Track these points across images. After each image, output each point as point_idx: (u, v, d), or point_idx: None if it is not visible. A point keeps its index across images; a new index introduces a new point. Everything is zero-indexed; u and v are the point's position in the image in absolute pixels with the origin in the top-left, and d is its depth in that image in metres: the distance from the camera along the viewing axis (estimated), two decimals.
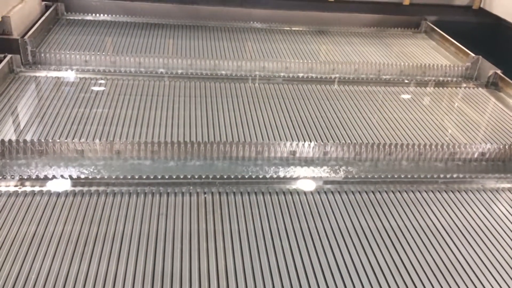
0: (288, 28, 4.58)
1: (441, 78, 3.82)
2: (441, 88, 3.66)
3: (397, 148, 2.69)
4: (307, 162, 2.62)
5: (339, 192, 2.36)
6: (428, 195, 2.39)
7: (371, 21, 4.77)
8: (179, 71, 3.50)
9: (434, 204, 2.33)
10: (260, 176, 2.40)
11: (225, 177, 2.35)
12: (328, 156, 2.65)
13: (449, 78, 3.84)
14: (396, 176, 2.47)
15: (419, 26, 4.83)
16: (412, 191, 2.41)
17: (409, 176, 2.49)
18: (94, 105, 2.93)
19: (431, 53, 4.28)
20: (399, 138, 2.88)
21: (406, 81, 3.71)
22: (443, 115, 3.22)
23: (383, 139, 2.84)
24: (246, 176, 2.38)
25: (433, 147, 2.71)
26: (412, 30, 4.80)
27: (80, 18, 4.28)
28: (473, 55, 3.92)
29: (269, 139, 2.74)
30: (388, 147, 2.68)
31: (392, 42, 4.46)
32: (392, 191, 2.39)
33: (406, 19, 4.84)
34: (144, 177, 2.28)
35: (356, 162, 2.65)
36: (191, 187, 2.28)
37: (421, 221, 2.20)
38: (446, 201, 2.36)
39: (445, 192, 2.43)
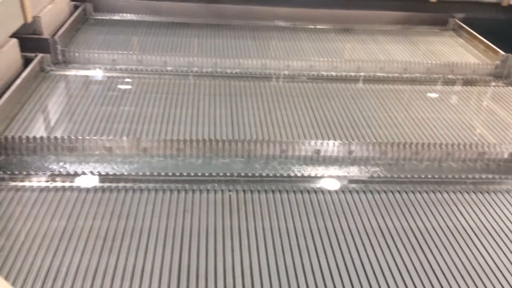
0: (313, 26, 4.56)
1: (469, 77, 3.74)
2: (469, 87, 3.59)
3: (423, 147, 2.65)
4: (332, 160, 2.61)
5: (364, 192, 2.34)
6: (456, 195, 2.35)
7: (397, 18, 4.71)
8: (204, 70, 3.53)
9: (462, 205, 2.29)
10: (285, 175, 2.40)
11: (249, 175, 2.36)
12: (353, 155, 2.64)
13: (477, 77, 3.76)
14: (422, 176, 2.44)
15: (447, 24, 4.74)
16: (439, 192, 2.37)
17: (436, 176, 2.45)
18: (122, 103, 2.98)
19: (459, 51, 4.20)
20: (426, 137, 2.84)
21: (433, 79, 3.65)
22: (472, 114, 3.16)
23: (410, 138, 2.80)
24: (271, 174, 2.39)
25: (461, 146, 2.67)
26: (439, 27, 4.72)
27: (107, 17, 4.36)
28: (502, 53, 3.83)
29: (293, 138, 2.73)
30: (415, 146, 2.65)
31: (419, 40, 4.40)
32: (419, 191, 2.36)
33: (433, 16, 4.76)
34: (170, 174, 2.31)
35: (381, 161, 2.62)
36: (216, 185, 2.30)
37: (448, 223, 2.17)
38: (474, 202, 2.32)
39: (474, 193, 2.38)
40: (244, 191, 2.28)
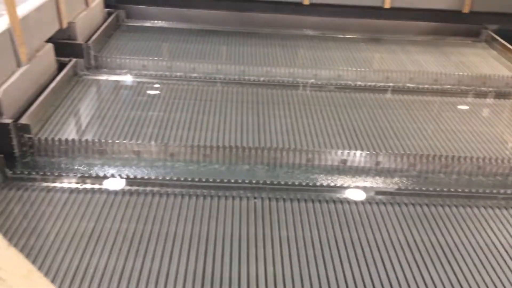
0: (342, 36, 4.54)
1: (502, 89, 3.65)
2: (502, 100, 3.50)
3: (453, 160, 2.59)
4: (358, 171, 2.58)
5: (391, 204, 2.31)
6: (486, 211, 2.29)
7: (428, 29, 4.65)
8: (232, 77, 3.55)
9: (493, 221, 2.23)
10: (310, 184, 2.39)
11: (274, 182, 2.36)
12: (380, 166, 2.60)
13: (511, 89, 3.66)
14: (452, 190, 2.39)
15: (479, 35, 4.64)
16: (469, 206, 2.32)
17: (466, 191, 2.40)
18: (150, 108, 3.03)
19: (491, 63, 4.11)
20: (456, 150, 2.78)
21: (465, 91, 3.58)
22: (504, 128, 3.08)
23: (439, 151, 2.75)
24: (296, 183, 2.38)
25: (492, 160, 2.60)
26: (471, 39, 4.63)
27: (139, 24, 4.45)
28: None
29: (319, 147, 2.72)
30: (444, 159, 2.59)
31: (450, 51, 4.32)
32: (448, 205, 2.31)
33: (466, 27, 4.67)
34: (196, 179, 2.33)
35: (409, 173, 2.58)
36: (241, 192, 2.31)
37: (478, 239, 2.11)
38: (506, 218, 2.25)
39: (505, 208, 2.32)
40: (269, 199, 2.28)
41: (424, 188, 2.40)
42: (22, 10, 2.81)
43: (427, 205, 2.31)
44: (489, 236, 2.13)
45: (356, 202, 2.30)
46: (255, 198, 2.28)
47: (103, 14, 4.24)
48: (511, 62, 4.09)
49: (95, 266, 1.82)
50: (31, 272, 0.81)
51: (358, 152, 2.61)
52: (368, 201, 2.32)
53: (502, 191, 2.41)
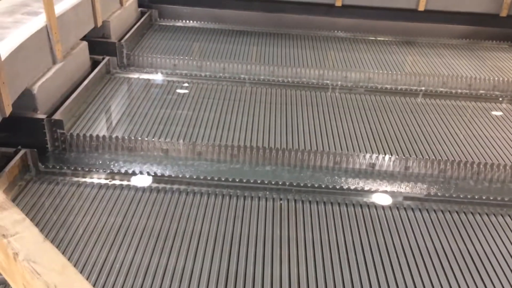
0: (373, 38, 4.48)
1: None
2: None
3: (486, 167, 2.52)
4: (387, 175, 2.54)
5: (419, 210, 2.26)
6: None
7: (464, 32, 4.53)
8: (261, 78, 3.56)
9: None
10: (337, 187, 2.37)
11: (301, 184, 2.35)
12: (409, 171, 2.56)
13: None
14: (484, 198, 2.32)
15: None
16: (502, 215, 2.24)
17: (498, 199, 2.32)
18: (180, 107, 3.07)
19: None
20: (488, 157, 2.70)
21: (499, 97, 3.47)
22: None
23: (471, 157, 2.68)
24: (323, 186, 2.36)
25: None
26: (508, 43, 4.49)
27: (171, 24, 4.51)
28: None
29: (348, 150, 2.69)
30: (476, 166, 2.52)
31: (486, 55, 4.20)
32: (479, 213, 2.25)
33: (503, 31, 4.53)
34: (223, 179, 2.34)
35: (440, 180, 2.52)
36: (268, 192, 2.31)
37: (510, 248, 2.04)
38: None
39: None
40: (295, 200, 2.27)
41: (454, 195, 2.34)
42: (59, 8, 2.89)
43: (457, 212, 2.25)
44: None
45: (383, 207, 2.27)
46: (280, 199, 2.28)
47: (136, 14, 4.32)
48: None
49: (121, 261, 1.85)
50: (65, 267, 0.83)
51: (387, 156, 2.57)
52: (396, 206, 2.28)
53: None
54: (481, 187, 2.48)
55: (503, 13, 4.63)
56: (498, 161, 2.64)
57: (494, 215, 2.24)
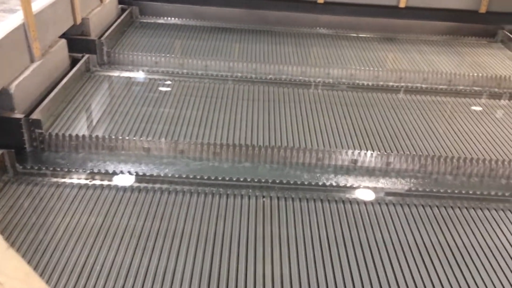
0: (355, 35, 4.50)
1: None
2: None
3: (465, 162, 2.56)
4: (369, 171, 2.56)
5: (401, 205, 2.28)
6: (498, 214, 2.26)
7: (444, 29, 4.59)
8: (244, 75, 3.55)
9: (505, 224, 2.19)
10: (320, 183, 2.38)
11: (284, 182, 2.35)
12: (391, 167, 2.58)
13: None
14: (463, 192, 2.36)
15: (495, 35, 4.57)
16: (481, 209, 2.28)
17: (478, 193, 2.36)
18: (161, 105, 3.04)
19: (507, 64, 4.04)
20: (468, 152, 2.74)
21: (479, 92, 3.52)
22: None
23: (451, 152, 2.71)
24: (306, 183, 2.36)
25: (505, 163, 2.56)
26: (487, 39, 4.56)
27: (152, 21, 4.46)
28: None
29: (330, 147, 2.70)
30: (456, 160, 2.56)
31: (465, 51, 4.26)
32: (459, 207, 2.28)
33: (482, 27, 4.60)
34: (205, 177, 2.33)
35: (420, 175, 2.55)
36: (250, 190, 2.30)
37: (489, 242, 2.08)
38: None
39: None
40: (278, 198, 2.27)
41: (435, 190, 2.37)
42: (36, 5, 2.83)
43: (437, 206, 2.28)
44: (499, 239, 2.09)
45: (365, 203, 2.28)
46: (263, 197, 2.27)
47: (117, 11, 4.26)
48: None
49: (102, 262, 1.83)
50: (29, 275, 0.81)
51: (369, 152, 2.58)
52: (378, 201, 2.30)
53: None
54: (460, 182, 2.52)
55: (482, 10, 4.69)
56: (477, 155, 2.68)
57: (473, 209, 2.28)
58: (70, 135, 2.52)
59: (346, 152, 2.58)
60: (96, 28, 3.67)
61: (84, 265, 1.81)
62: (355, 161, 2.58)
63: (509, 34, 4.45)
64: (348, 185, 2.41)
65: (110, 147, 2.54)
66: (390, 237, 2.08)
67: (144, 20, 4.46)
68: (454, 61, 4.01)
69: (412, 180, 2.50)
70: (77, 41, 3.44)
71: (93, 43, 3.52)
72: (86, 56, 3.37)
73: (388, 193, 2.37)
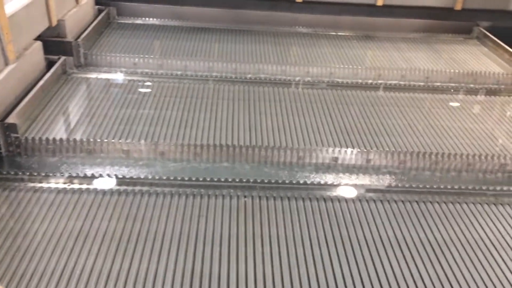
0: (334, 33, 4.53)
1: (492, 86, 3.66)
2: (492, 97, 3.51)
3: (443, 157, 2.60)
4: (349, 169, 2.58)
5: (381, 201, 2.31)
6: (475, 207, 2.30)
7: (420, 26, 4.65)
8: (224, 75, 3.54)
9: (482, 218, 2.23)
10: (301, 182, 2.38)
11: (265, 181, 2.35)
12: (371, 163, 2.60)
13: (501, 86, 3.67)
14: (442, 187, 2.39)
15: (471, 32, 4.65)
16: (459, 203, 2.32)
17: (455, 187, 2.40)
18: (141, 106, 3.01)
19: (482, 60, 4.11)
20: (446, 147, 2.78)
21: (456, 88, 3.58)
22: (494, 125, 3.08)
23: (429, 148, 2.75)
24: (287, 181, 2.37)
25: (482, 157, 2.61)
26: (463, 36, 4.63)
27: (130, 22, 4.42)
28: None
29: (311, 145, 2.71)
30: (435, 156, 2.60)
31: (442, 48, 4.33)
32: (438, 202, 2.31)
33: (457, 24, 4.68)
34: (186, 178, 2.32)
35: (400, 171, 2.58)
36: (232, 190, 2.30)
37: (467, 235, 2.11)
38: (495, 215, 2.26)
39: (494, 205, 2.32)
40: (259, 197, 2.27)
41: (414, 185, 2.40)
42: (10, 7, 2.78)
43: (417, 202, 2.31)
44: (477, 232, 2.13)
45: (346, 200, 2.30)
46: (245, 196, 2.27)
47: (93, 12, 4.21)
48: (502, 59, 4.10)
49: (82, 266, 1.80)
50: None
51: (349, 150, 2.60)
52: (359, 198, 2.32)
53: (491, 187, 2.42)
54: (439, 177, 2.56)
55: (458, 7, 4.78)
56: (455, 150, 2.73)
57: (451, 203, 2.31)
58: (47, 139, 2.48)
59: (327, 150, 2.60)
60: (73, 30, 3.62)
61: (63, 270, 1.78)
62: (336, 159, 2.60)
63: (484, 30, 4.54)
64: (329, 182, 2.42)
65: (88, 150, 2.50)
66: (371, 233, 2.10)
67: (122, 21, 4.41)
68: (431, 58, 4.07)
69: (392, 176, 2.53)
70: (53, 43, 3.39)
71: (69, 45, 3.46)
72: (63, 58, 3.32)
73: (368, 190, 2.39)
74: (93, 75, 3.38)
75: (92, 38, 3.86)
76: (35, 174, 2.28)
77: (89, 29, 3.81)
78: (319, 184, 2.40)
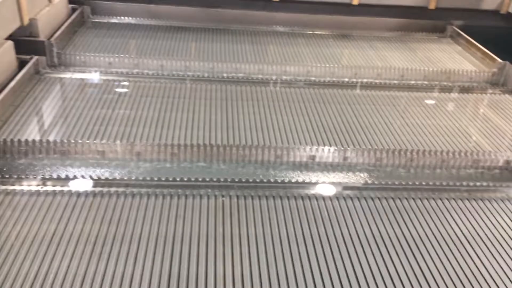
0: (311, 32, 4.56)
1: (466, 84, 3.74)
2: (466, 94, 3.58)
3: (419, 154, 2.64)
4: (327, 167, 2.59)
5: (358, 198, 2.33)
6: (450, 203, 2.34)
7: (395, 25, 4.71)
8: (201, 74, 3.52)
9: (456, 213, 2.28)
10: (279, 180, 2.39)
11: (243, 180, 2.35)
12: (348, 161, 2.62)
13: (474, 84, 3.75)
14: (417, 183, 2.43)
15: (445, 31, 4.74)
16: (434, 199, 2.36)
17: (430, 184, 2.44)
18: (116, 106, 2.97)
19: (456, 58, 4.20)
20: (421, 144, 2.83)
21: (430, 86, 3.64)
22: (468, 122, 3.15)
23: (405, 145, 2.79)
24: (265, 180, 2.37)
25: (456, 154, 2.66)
26: (437, 34, 4.72)
27: (105, 20, 4.35)
28: (500, 60, 3.83)
29: (288, 143, 2.72)
30: (410, 153, 2.63)
31: (417, 46, 4.39)
32: (413, 198, 2.35)
33: (431, 23, 4.76)
34: (163, 179, 2.30)
35: (376, 168, 2.61)
36: (210, 190, 2.28)
37: (442, 230, 2.15)
38: (468, 210, 2.30)
39: (468, 200, 2.37)
40: (237, 196, 2.27)
41: (390, 182, 2.43)
42: None
43: (393, 198, 2.34)
44: (452, 228, 2.17)
45: (324, 198, 2.31)
46: (223, 196, 2.26)
47: (67, 10, 4.13)
48: (474, 57, 4.19)
49: (56, 270, 1.76)
50: None
51: (326, 148, 2.62)
52: (336, 196, 2.33)
53: (465, 183, 2.47)
54: (414, 173, 2.60)
55: (432, 6, 4.86)
56: (429, 147, 2.77)
57: (426, 199, 2.35)
58: (19, 140, 2.42)
59: (304, 149, 2.61)
60: (45, 29, 3.55)
61: (37, 274, 1.74)
62: (313, 157, 2.61)
63: (457, 29, 4.63)
64: (307, 181, 2.43)
65: (62, 151, 2.46)
66: (348, 230, 2.11)
67: (97, 20, 4.34)
68: (406, 57, 4.13)
69: (368, 174, 2.56)
70: (25, 42, 3.31)
71: (42, 44, 3.39)
72: (35, 58, 3.25)
73: (346, 187, 2.41)
74: (67, 75, 3.31)
75: (66, 37, 3.79)
76: (7, 176, 2.23)
77: (63, 28, 3.74)
78: (296, 182, 2.41)
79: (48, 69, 3.35)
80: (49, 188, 2.20)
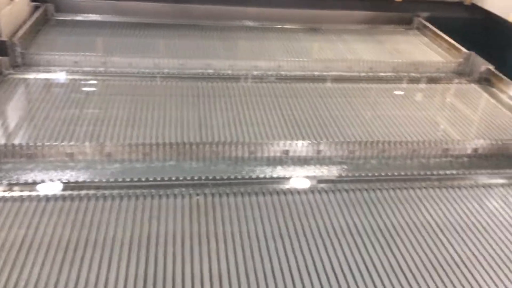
0: (281, 26, 4.55)
1: (433, 75, 3.81)
2: (433, 85, 3.65)
3: (390, 145, 2.67)
4: (301, 161, 2.60)
5: (332, 191, 2.34)
6: (421, 192, 2.38)
7: (364, 18, 4.76)
8: (171, 71, 3.47)
9: (428, 202, 2.32)
10: (253, 177, 2.38)
11: (217, 178, 2.33)
12: (321, 154, 2.64)
13: (441, 74, 3.83)
14: (389, 174, 2.46)
15: (411, 23, 4.81)
16: (406, 189, 2.39)
17: (402, 174, 2.48)
18: (85, 106, 2.90)
19: (423, 49, 4.27)
20: (392, 135, 2.86)
21: (399, 78, 3.70)
22: (436, 111, 3.21)
23: (377, 137, 2.82)
24: (239, 177, 2.36)
25: (426, 143, 2.71)
26: (404, 26, 4.79)
27: (70, 18, 4.24)
28: (465, 51, 3.91)
29: (262, 139, 2.71)
30: (382, 144, 2.67)
31: (385, 39, 4.45)
32: (386, 189, 2.38)
33: (398, 15, 4.83)
34: (136, 179, 2.25)
35: (349, 160, 2.63)
36: (184, 189, 2.26)
37: (414, 219, 2.19)
38: (439, 198, 2.35)
39: (438, 189, 2.41)
40: (212, 194, 2.25)
41: (363, 174, 2.46)
42: None
43: (366, 190, 2.36)
44: (424, 216, 2.21)
45: (299, 192, 2.32)
46: (197, 194, 2.24)
47: (29, 8, 4.00)
48: (441, 48, 4.27)
49: (26, 279, 1.71)
50: None
51: (299, 142, 2.62)
52: (311, 190, 2.34)
53: (435, 172, 2.52)
54: (386, 164, 2.63)
55: None
56: (400, 138, 2.81)
57: (399, 189, 2.38)
58: None
59: (278, 143, 2.61)
60: (7, 28, 3.42)
61: (6, 284, 1.68)
62: (287, 152, 2.61)
63: (423, 21, 4.71)
64: (282, 176, 2.43)
65: (28, 155, 2.38)
66: (324, 223, 2.12)
67: (61, 18, 4.22)
68: (375, 49, 4.18)
69: (342, 166, 2.58)
70: None
71: (4, 44, 3.27)
72: None
73: (320, 181, 2.42)
74: (31, 76, 3.21)
75: (29, 36, 3.67)
76: None
77: (26, 27, 3.63)
78: (271, 178, 2.41)
79: (11, 69, 3.23)
80: (16, 193, 2.13)
